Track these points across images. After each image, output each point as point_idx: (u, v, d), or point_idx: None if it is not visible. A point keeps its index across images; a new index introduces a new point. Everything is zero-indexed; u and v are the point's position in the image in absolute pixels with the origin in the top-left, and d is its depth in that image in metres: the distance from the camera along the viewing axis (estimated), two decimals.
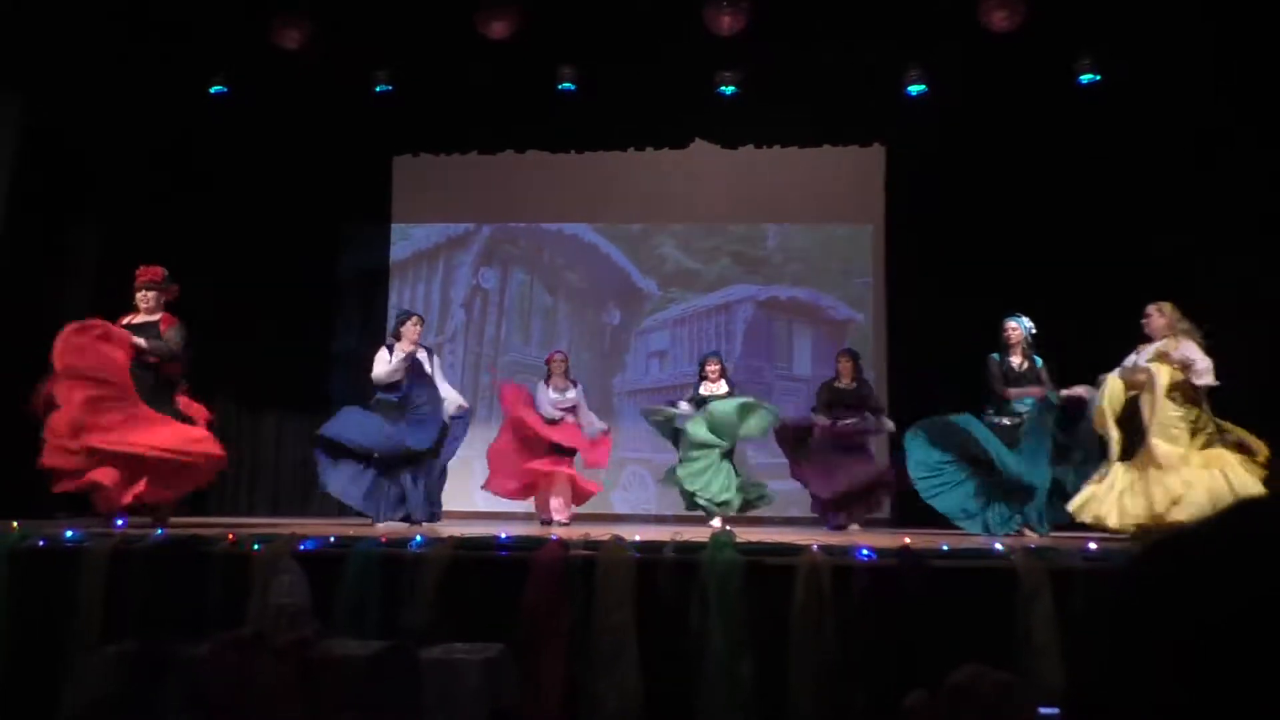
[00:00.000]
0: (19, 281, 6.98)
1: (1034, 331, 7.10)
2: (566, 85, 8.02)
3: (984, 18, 7.25)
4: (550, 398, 7.96)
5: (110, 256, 7.89)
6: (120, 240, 8.03)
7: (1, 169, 6.88)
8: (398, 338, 7.15)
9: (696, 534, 5.08)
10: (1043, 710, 2.96)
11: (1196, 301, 7.49)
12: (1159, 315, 6.32)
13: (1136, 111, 7.75)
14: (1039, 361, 7.05)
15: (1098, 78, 7.68)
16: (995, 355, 7.05)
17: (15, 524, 5.00)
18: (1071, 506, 6.01)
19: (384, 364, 7.03)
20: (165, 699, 3.52)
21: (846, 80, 8.05)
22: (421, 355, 7.15)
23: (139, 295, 6.32)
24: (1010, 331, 7.04)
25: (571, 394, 8.06)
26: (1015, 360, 7.01)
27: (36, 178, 7.07)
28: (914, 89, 7.95)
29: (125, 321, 6.23)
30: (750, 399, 7.89)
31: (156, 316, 6.34)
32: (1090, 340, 7.59)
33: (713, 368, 8.16)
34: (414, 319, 7.26)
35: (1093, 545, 4.62)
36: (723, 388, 8.06)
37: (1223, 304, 7.35)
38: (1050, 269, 8.32)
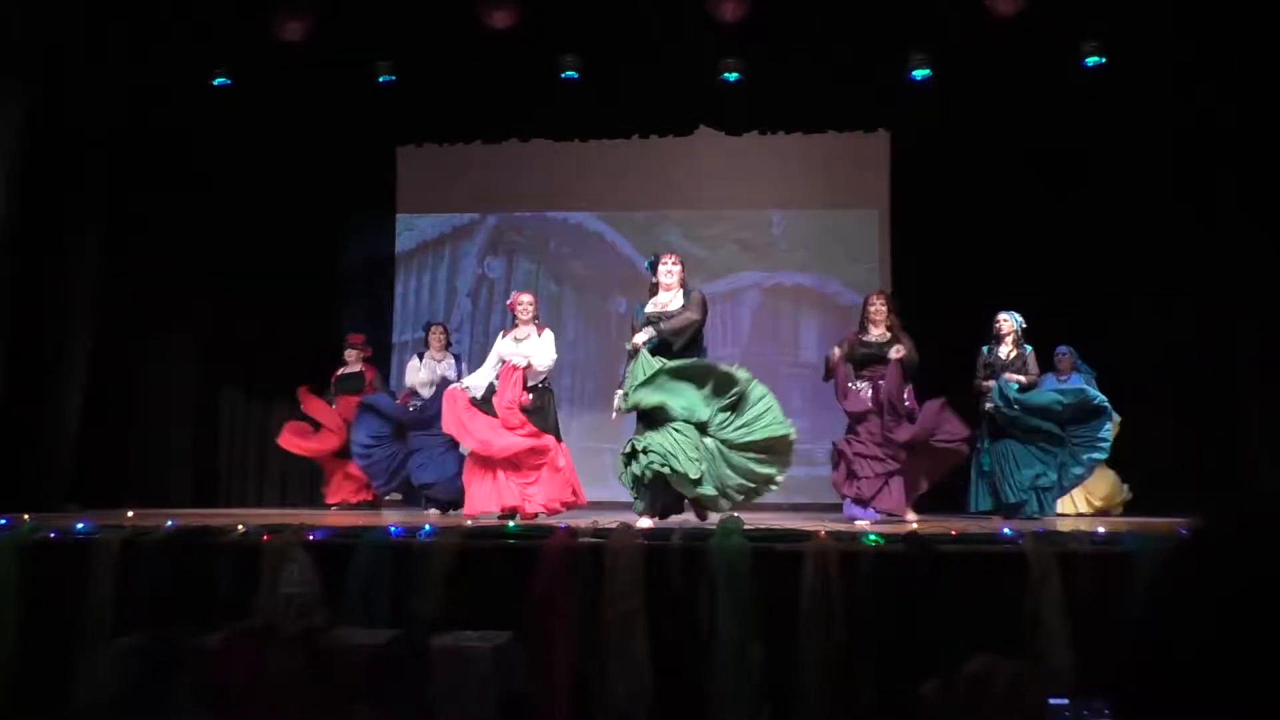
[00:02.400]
0: (23, 275, 6.99)
1: (1024, 326, 7.21)
2: (570, 74, 8.00)
3: (988, 2, 7.22)
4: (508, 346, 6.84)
5: (114, 250, 7.90)
6: (125, 234, 8.04)
7: (7, 164, 6.88)
8: (427, 346, 8.09)
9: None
10: (1052, 701, 2.97)
11: (1199, 291, 7.53)
12: (1069, 357, 7.80)
13: (1143, 95, 7.71)
14: (1028, 349, 7.16)
15: (1103, 61, 7.64)
16: (985, 347, 7.22)
17: (26, 516, 5.03)
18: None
19: (414, 372, 8.02)
20: (177, 690, 3.54)
21: (850, 66, 8.01)
22: (449, 364, 7.96)
23: (346, 353, 8.69)
24: (1002, 323, 7.19)
25: (531, 342, 6.78)
26: (1004, 350, 7.15)
27: (40, 170, 7.07)
28: (918, 74, 7.91)
29: (339, 373, 8.60)
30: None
31: (359, 368, 8.63)
32: (1095, 328, 7.61)
33: (670, 265, 6.15)
34: (435, 328, 8.19)
35: (1101, 529, 4.62)
36: (677, 300, 6.07)
37: (1225, 289, 7.36)
38: (1056, 254, 8.31)
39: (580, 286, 10.24)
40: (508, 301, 7.13)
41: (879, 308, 6.89)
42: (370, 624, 4.09)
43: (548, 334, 6.86)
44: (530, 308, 6.92)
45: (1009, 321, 7.18)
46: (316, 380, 8.67)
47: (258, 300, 9.12)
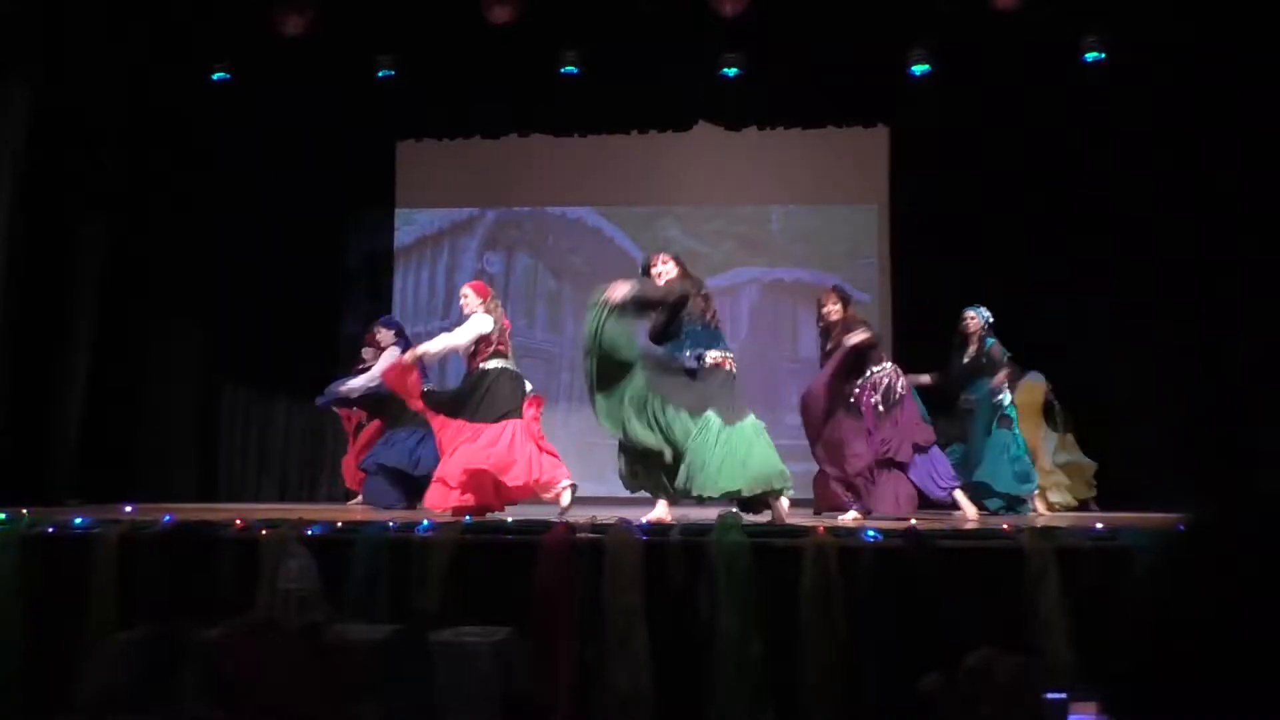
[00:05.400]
0: (27, 270, 6.99)
1: (991, 320, 7.11)
2: (569, 69, 8.00)
3: None
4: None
5: (116, 245, 7.90)
6: (126, 230, 8.03)
7: (10, 159, 6.88)
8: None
9: (703, 516, 5.09)
10: (1050, 695, 2.98)
11: (1200, 286, 7.52)
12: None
13: (1143, 89, 7.71)
14: (989, 342, 7.06)
15: (1103, 56, 7.64)
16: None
17: (25, 511, 5.03)
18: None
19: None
20: (179, 684, 3.54)
21: (850, 61, 8.03)
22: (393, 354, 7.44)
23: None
24: (969, 321, 7.08)
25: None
26: (970, 349, 7.08)
27: (42, 165, 7.07)
28: (918, 69, 7.91)
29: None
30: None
31: None
32: (1095, 324, 7.61)
33: (659, 266, 5.80)
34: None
35: (1099, 525, 4.63)
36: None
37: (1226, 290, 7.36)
38: (1055, 249, 8.32)
39: (580, 282, 10.23)
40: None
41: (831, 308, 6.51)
42: (370, 619, 4.09)
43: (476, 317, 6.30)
44: (469, 300, 6.35)
45: (975, 319, 7.07)
46: (318, 376, 8.65)
47: (258, 294, 9.12)
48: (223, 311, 9.07)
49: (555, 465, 6.25)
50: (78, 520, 4.80)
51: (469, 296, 6.41)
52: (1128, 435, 7.66)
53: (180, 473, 8.71)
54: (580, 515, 5.31)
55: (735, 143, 9.26)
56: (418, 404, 6.35)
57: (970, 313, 7.12)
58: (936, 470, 6.24)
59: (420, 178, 10.10)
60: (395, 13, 7.77)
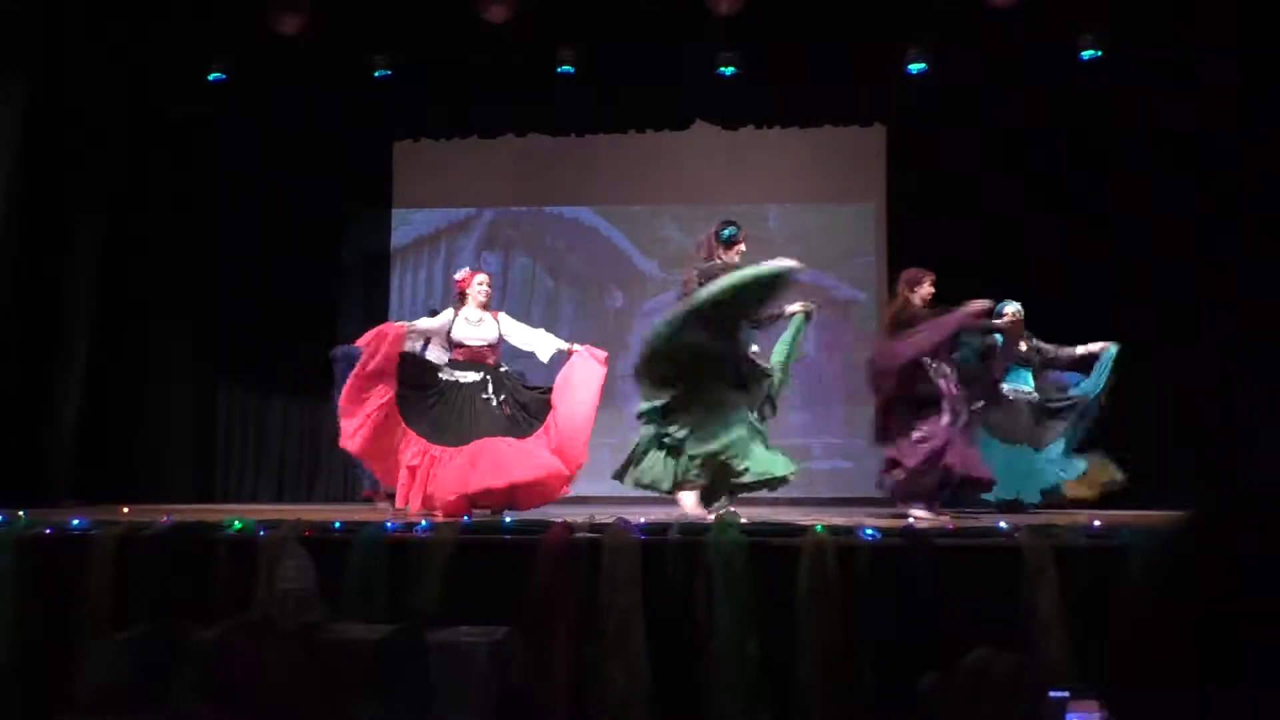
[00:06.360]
0: (24, 269, 6.99)
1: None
2: (566, 68, 8.00)
3: None
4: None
5: (113, 245, 7.89)
6: (124, 229, 8.03)
7: (9, 158, 6.87)
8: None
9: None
10: (1052, 694, 2.97)
11: (1198, 282, 7.52)
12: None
13: (1141, 88, 7.71)
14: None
15: (1099, 54, 7.64)
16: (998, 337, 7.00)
17: (21, 512, 5.02)
18: None
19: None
20: (177, 684, 3.54)
21: (847, 60, 8.02)
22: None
23: None
24: (1013, 315, 7.08)
25: (489, 325, 6.37)
26: (1022, 345, 7.13)
27: (39, 166, 7.06)
28: (915, 68, 7.91)
29: None
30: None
31: None
32: (1092, 321, 7.60)
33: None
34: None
35: (1097, 523, 4.63)
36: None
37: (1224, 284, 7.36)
38: (1053, 247, 8.31)
39: (576, 281, 10.23)
40: (458, 278, 6.55)
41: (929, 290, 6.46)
42: (367, 619, 4.09)
43: (505, 316, 6.58)
44: (487, 289, 6.44)
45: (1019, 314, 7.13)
46: (315, 376, 8.65)
47: (256, 295, 9.12)
48: (220, 311, 9.06)
49: None
50: (75, 521, 4.79)
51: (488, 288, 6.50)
52: (1127, 434, 7.65)
53: (178, 473, 8.70)
54: (578, 515, 5.31)
55: (732, 142, 9.26)
56: None
57: (1012, 307, 7.10)
58: None
59: (417, 178, 10.09)
60: (392, 12, 7.76)
